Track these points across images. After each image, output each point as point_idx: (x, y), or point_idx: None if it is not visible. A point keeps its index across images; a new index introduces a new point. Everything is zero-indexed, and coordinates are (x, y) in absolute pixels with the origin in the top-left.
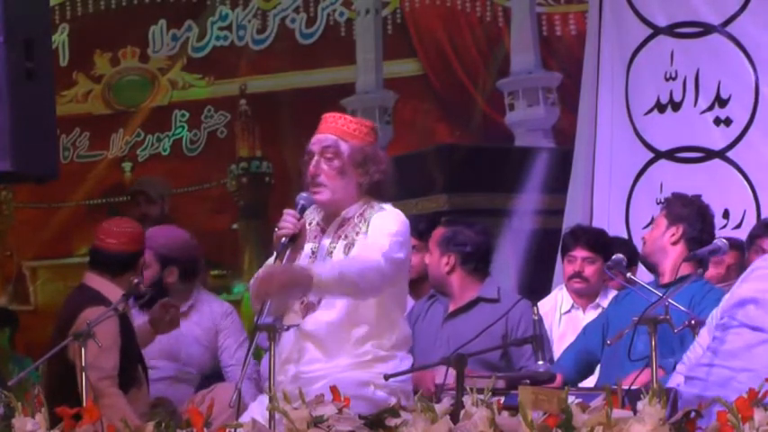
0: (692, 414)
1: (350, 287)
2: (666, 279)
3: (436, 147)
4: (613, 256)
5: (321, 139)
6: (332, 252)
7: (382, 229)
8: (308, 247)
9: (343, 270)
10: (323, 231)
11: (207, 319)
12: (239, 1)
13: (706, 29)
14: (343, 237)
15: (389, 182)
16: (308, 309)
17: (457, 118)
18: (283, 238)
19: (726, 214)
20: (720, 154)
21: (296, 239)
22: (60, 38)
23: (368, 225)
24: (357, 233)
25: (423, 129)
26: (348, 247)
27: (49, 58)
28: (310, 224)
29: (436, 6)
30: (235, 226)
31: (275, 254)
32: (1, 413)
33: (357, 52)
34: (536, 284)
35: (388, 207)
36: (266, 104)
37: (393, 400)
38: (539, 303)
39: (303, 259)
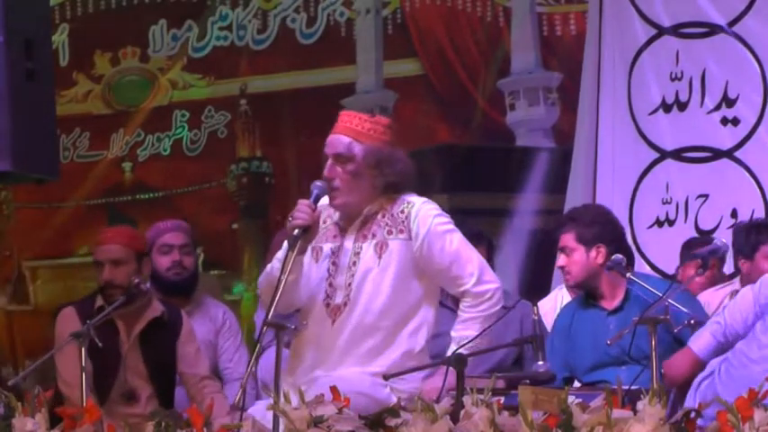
0: (692, 414)
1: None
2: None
3: (436, 147)
4: (613, 257)
5: (335, 143)
6: (358, 253)
7: (456, 256)
8: (326, 246)
9: (477, 330)
10: (342, 230)
11: (206, 320)
12: (239, 1)
13: (712, 29)
14: (370, 236)
15: (407, 181)
16: (336, 312)
17: (457, 118)
18: (296, 230)
19: (734, 214)
20: (728, 153)
21: (308, 230)
22: (60, 38)
23: (408, 226)
24: (389, 232)
25: (423, 129)
26: (380, 247)
27: (49, 58)
28: (325, 222)
29: (437, 6)
30: (235, 226)
31: (287, 245)
32: (1, 413)
33: (357, 52)
34: (536, 284)
35: (416, 200)
36: (266, 104)
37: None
38: (539, 303)
39: (323, 260)
